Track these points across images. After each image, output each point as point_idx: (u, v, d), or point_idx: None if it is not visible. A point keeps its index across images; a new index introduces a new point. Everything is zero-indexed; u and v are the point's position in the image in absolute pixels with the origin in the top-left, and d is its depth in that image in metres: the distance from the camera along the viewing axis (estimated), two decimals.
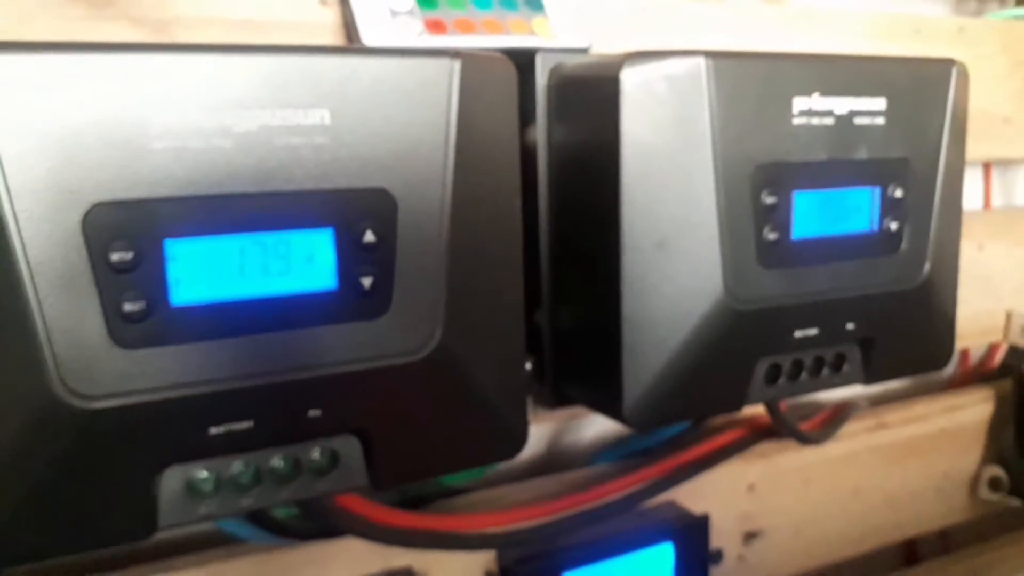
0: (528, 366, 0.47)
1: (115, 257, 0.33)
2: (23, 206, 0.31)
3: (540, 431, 0.65)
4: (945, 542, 0.89)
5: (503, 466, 0.62)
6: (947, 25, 0.71)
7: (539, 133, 0.50)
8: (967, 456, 0.81)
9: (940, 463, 0.79)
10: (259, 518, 0.48)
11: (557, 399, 0.52)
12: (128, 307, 0.33)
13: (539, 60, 0.49)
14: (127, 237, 0.33)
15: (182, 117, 0.33)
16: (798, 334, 0.49)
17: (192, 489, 0.36)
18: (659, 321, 0.45)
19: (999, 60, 0.74)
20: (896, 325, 0.52)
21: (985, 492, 0.81)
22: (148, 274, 0.34)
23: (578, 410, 0.62)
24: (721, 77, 0.45)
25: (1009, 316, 0.79)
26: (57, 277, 0.32)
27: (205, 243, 0.34)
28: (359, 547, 0.51)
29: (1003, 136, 0.75)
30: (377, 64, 0.37)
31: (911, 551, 0.90)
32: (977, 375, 0.88)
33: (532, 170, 0.50)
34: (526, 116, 0.48)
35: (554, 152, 0.50)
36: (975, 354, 0.88)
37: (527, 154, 0.47)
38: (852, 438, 0.73)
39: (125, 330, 0.33)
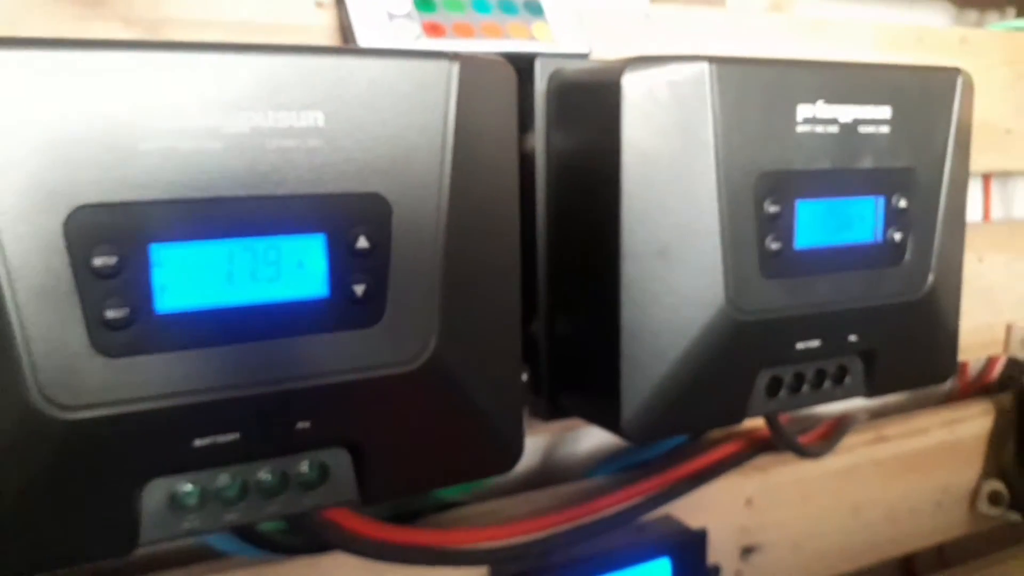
0: (524, 377, 0.46)
1: (98, 262, 0.32)
2: (2, 208, 0.30)
3: (535, 443, 0.64)
4: (943, 557, 0.88)
5: (497, 479, 0.60)
6: (950, 35, 0.71)
7: (538, 139, 0.49)
8: (967, 470, 0.80)
9: (940, 477, 0.78)
10: (246, 532, 0.47)
11: (553, 411, 0.51)
12: (111, 314, 0.32)
13: (538, 65, 0.48)
14: (111, 241, 0.32)
15: (170, 117, 0.32)
16: (800, 346, 0.48)
17: (176, 503, 0.35)
18: (659, 331, 0.44)
19: (1001, 71, 0.73)
20: (899, 337, 0.52)
21: (985, 507, 0.80)
22: (132, 280, 0.32)
23: (574, 422, 0.61)
24: (724, 83, 0.44)
25: (1009, 329, 0.79)
26: (37, 282, 0.31)
27: (192, 248, 0.33)
28: (349, 562, 0.50)
29: (1004, 148, 0.75)
30: (373, 65, 0.36)
31: (909, 567, 0.89)
32: (975, 388, 0.87)
33: (530, 177, 0.49)
34: (524, 122, 0.47)
35: (553, 159, 0.49)
36: (974, 367, 0.87)
37: (525, 161, 0.46)
38: (851, 452, 0.72)
39: (107, 338, 0.32)
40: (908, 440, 0.76)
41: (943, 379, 0.56)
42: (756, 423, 0.65)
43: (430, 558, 0.49)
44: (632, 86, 0.42)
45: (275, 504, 0.36)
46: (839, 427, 0.69)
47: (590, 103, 0.45)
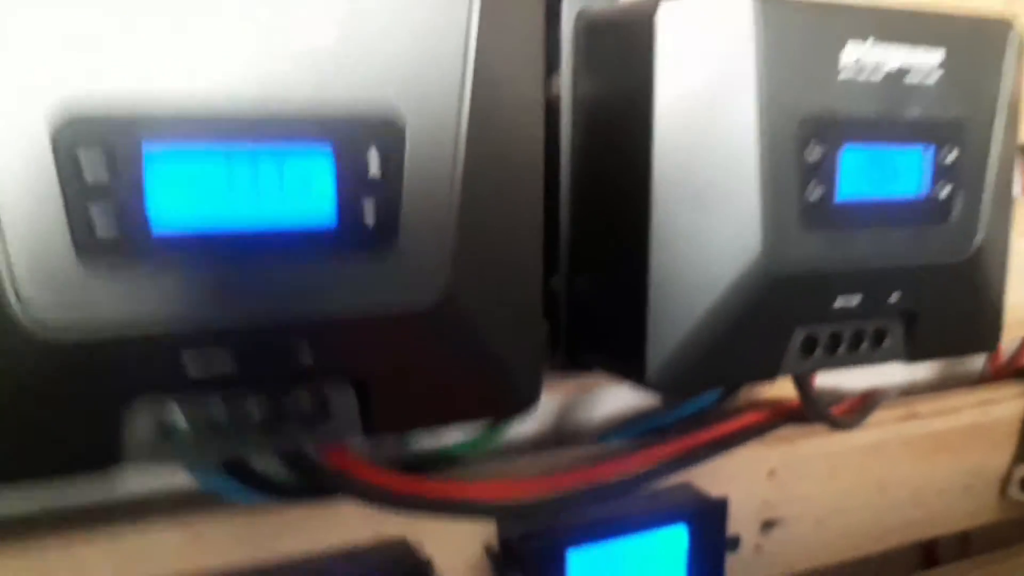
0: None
1: (88, 173, 0.29)
2: None
3: (550, 404, 0.62)
4: (966, 546, 0.85)
5: (508, 439, 0.58)
6: None
7: (564, 82, 0.46)
8: (999, 453, 0.77)
9: (970, 459, 0.75)
10: (242, 473, 0.45)
11: (572, 365, 0.49)
12: (101, 230, 0.30)
13: (565, 3, 0.46)
14: (102, 149, 0.29)
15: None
16: (838, 303, 0.45)
17: (164, 429, 0.33)
18: (689, 281, 0.41)
19: None
20: (942, 300, 0.49)
21: (1016, 492, 0.77)
22: (125, 194, 0.30)
23: (590, 382, 0.58)
24: (769, 20, 0.41)
25: None
26: (20, 192, 0.28)
27: (190, 161, 0.31)
28: (350, 512, 0.48)
29: None
30: None
31: (930, 553, 0.86)
32: (1008, 371, 0.84)
33: (555, 122, 0.46)
34: (550, 64, 0.45)
35: (579, 103, 0.46)
36: (1007, 349, 0.84)
37: (550, 105, 0.44)
38: (881, 427, 0.69)
39: (97, 255, 0.30)
40: (940, 419, 0.73)
41: (986, 348, 0.53)
42: (782, 392, 0.62)
43: (435, 507, 0.47)
44: (666, 22, 0.40)
45: (271, 437, 0.34)
46: (869, 401, 0.66)
47: (620, 43, 0.43)
